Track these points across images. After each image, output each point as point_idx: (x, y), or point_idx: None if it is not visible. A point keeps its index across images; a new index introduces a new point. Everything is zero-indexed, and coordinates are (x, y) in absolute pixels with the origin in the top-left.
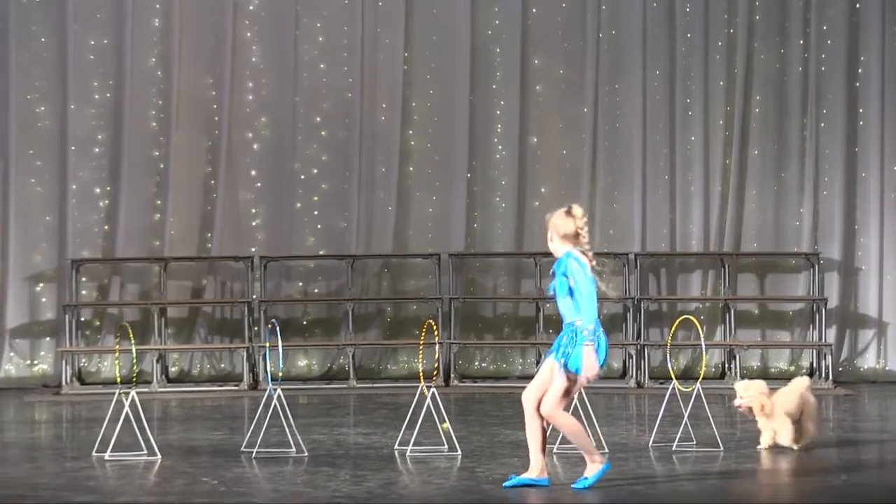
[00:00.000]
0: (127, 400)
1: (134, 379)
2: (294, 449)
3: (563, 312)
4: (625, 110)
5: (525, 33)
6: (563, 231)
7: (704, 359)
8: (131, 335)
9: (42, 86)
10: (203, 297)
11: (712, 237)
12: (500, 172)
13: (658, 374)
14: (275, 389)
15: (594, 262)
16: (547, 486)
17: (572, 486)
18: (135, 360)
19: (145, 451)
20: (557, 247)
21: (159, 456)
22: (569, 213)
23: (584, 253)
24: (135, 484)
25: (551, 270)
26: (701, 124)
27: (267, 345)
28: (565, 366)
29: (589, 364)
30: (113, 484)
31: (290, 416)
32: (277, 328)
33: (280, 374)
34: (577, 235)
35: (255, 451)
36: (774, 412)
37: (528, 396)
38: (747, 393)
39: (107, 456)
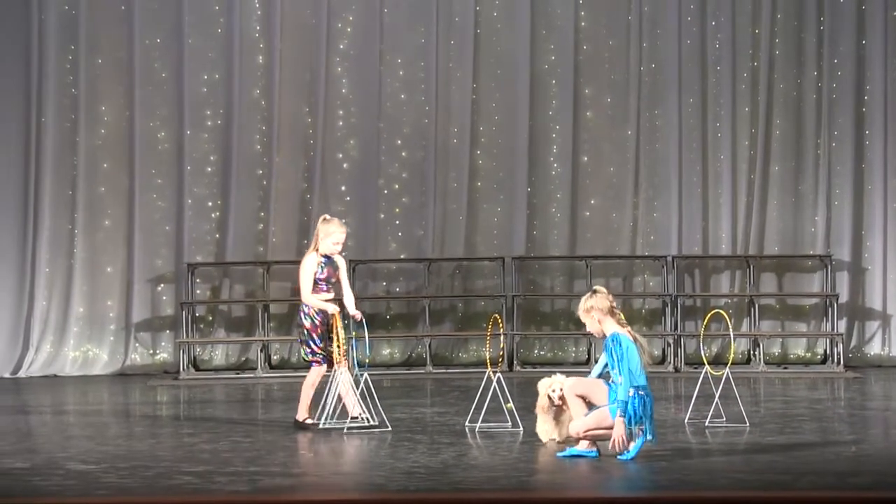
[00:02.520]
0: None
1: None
2: (379, 425)
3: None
4: (663, 133)
5: (577, 67)
6: (603, 309)
7: (732, 347)
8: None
9: (162, 114)
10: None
11: (739, 242)
12: (556, 187)
13: (692, 360)
14: (363, 374)
15: (632, 333)
16: (596, 457)
17: (618, 457)
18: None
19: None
20: (606, 326)
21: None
22: (595, 293)
23: (622, 325)
24: (243, 455)
25: (604, 347)
26: (729, 144)
27: (356, 335)
28: (627, 418)
29: (618, 435)
30: (224, 455)
31: (376, 396)
32: (365, 322)
33: (367, 360)
34: (612, 311)
35: (346, 426)
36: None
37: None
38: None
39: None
